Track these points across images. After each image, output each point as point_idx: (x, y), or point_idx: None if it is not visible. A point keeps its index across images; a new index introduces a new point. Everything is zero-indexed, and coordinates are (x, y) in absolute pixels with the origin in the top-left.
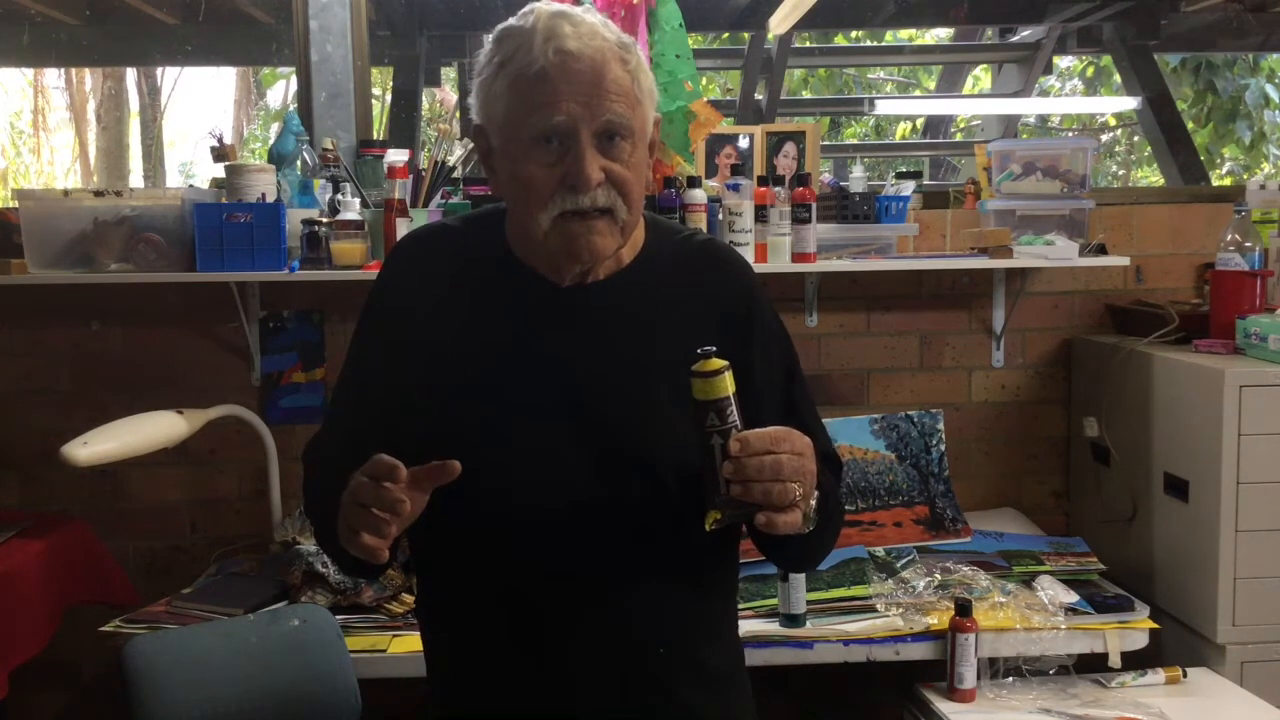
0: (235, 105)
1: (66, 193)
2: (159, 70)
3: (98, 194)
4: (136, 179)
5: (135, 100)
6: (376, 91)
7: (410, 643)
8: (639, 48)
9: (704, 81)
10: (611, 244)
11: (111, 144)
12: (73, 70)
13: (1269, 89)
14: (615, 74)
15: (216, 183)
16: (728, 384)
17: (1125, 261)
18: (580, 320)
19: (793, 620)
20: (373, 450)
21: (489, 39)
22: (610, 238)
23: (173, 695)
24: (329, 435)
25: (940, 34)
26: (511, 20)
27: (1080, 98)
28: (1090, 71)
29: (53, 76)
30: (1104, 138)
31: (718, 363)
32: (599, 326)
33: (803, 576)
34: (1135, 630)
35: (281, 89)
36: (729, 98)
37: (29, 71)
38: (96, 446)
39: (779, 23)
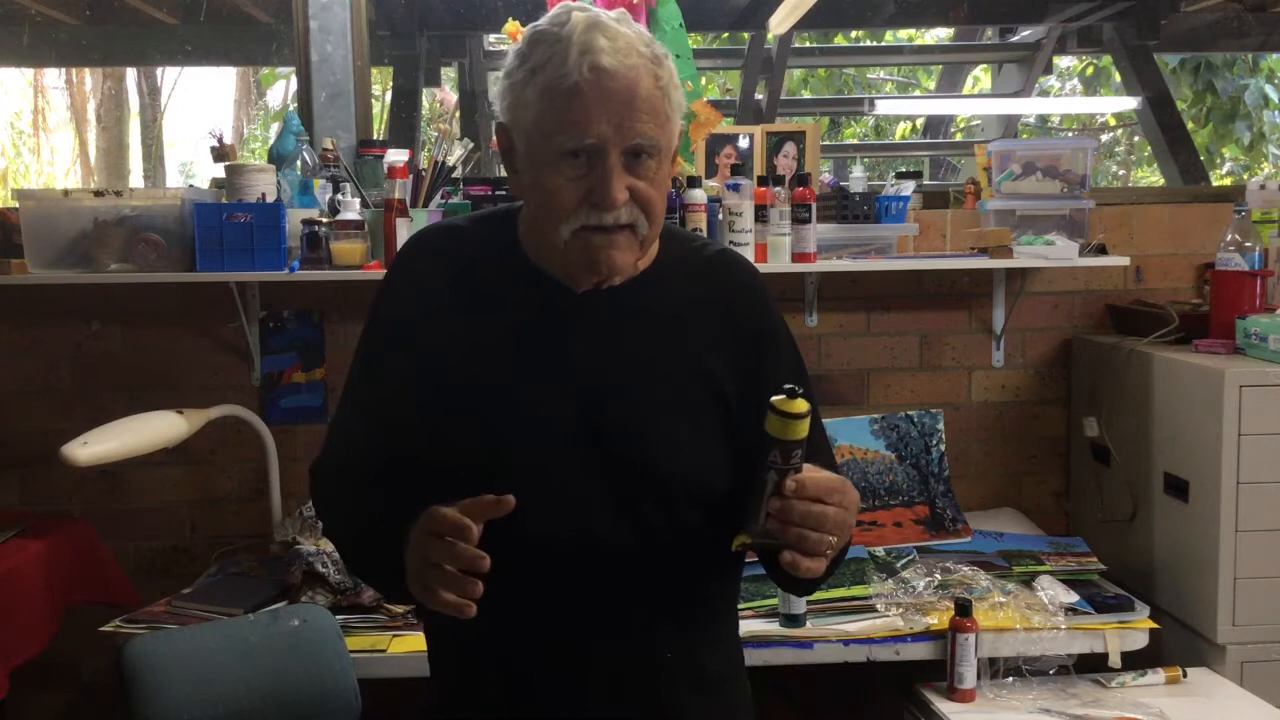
0: (235, 105)
1: (66, 193)
2: (159, 70)
3: (98, 194)
4: (136, 179)
5: (135, 100)
6: (376, 91)
7: (410, 643)
8: (671, 59)
9: (704, 81)
10: (631, 259)
11: (111, 144)
12: (73, 70)
13: (1269, 89)
14: (647, 92)
15: (216, 183)
16: (803, 429)
17: (1125, 261)
18: (594, 324)
19: (793, 620)
20: (393, 468)
21: (521, 38)
22: (630, 253)
23: (172, 695)
24: (343, 451)
25: (940, 34)
26: (545, 23)
27: (1080, 98)
28: (1090, 71)
29: (53, 76)
30: (1104, 138)
31: (802, 405)
32: (611, 331)
33: None
34: (1135, 630)
35: (281, 89)
36: (729, 98)
37: (29, 71)
38: (96, 446)
39: (779, 23)
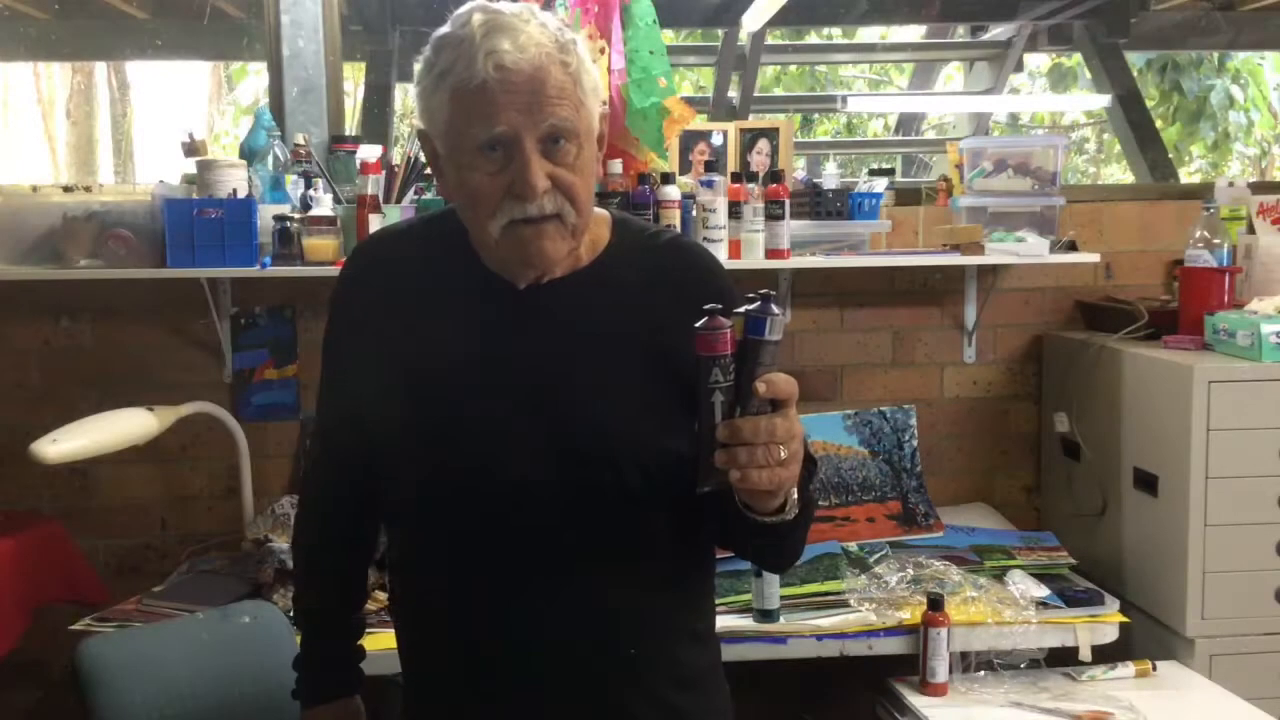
0: (207, 100)
1: (35, 188)
2: (129, 65)
3: (66, 189)
4: (106, 175)
5: (105, 95)
6: (349, 87)
7: (381, 640)
8: (579, 45)
9: (677, 78)
10: (563, 248)
11: (80, 139)
12: (41, 64)
13: (1234, 90)
14: (556, 79)
15: (187, 178)
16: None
17: (1095, 258)
18: (542, 319)
19: (766, 616)
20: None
21: (427, 45)
22: (561, 241)
23: (129, 696)
24: (323, 467)
25: (913, 31)
26: (448, 27)
27: (1052, 95)
28: (1053, 68)
29: (20, 70)
30: (1073, 135)
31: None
32: (560, 325)
33: None
34: (1105, 624)
35: (253, 84)
36: (702, 94)
37: None
38: (66, 444)
39: (752, 19)
